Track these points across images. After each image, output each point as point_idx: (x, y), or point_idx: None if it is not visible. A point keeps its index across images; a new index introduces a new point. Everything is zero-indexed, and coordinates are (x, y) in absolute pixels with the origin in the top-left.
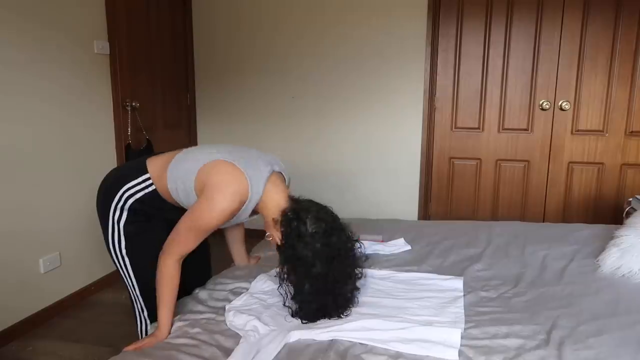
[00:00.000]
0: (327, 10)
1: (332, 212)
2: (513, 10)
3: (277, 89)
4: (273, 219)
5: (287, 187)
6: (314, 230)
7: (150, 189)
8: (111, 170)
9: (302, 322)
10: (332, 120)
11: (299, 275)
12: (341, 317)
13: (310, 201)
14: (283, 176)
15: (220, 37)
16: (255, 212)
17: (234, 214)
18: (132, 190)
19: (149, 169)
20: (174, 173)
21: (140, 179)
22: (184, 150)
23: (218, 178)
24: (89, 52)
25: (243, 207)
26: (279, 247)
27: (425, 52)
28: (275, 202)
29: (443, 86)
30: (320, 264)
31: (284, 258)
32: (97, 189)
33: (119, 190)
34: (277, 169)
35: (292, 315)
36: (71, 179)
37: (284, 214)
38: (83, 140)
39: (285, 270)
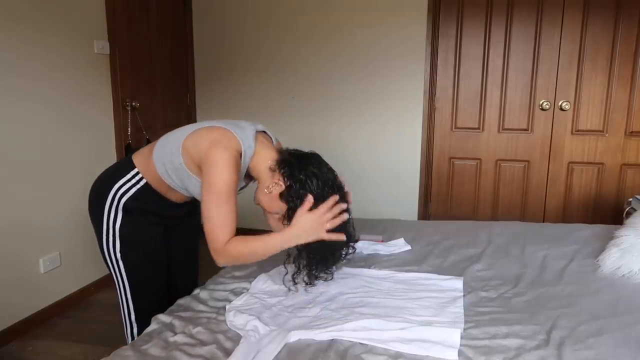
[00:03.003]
0: (327, 11)
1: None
2: (513, 11)
3: (277, 89)
4: (270, 167)
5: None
6: (315, 167)
7: (141, 183)
8: (99, 175)
9: (307, 284)
10: (332, 121)
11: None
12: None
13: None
14: (269, 136)
15: (220, 37)
16: (248, 177)
17: (238, 166)
18: (124, 188)
19: (135, 162)
20: (160, 155)
21: (129, 175)
22: (163, 135)
23: (207, 140)
24: (89, 52)
25: (241, 161)
26: (281, 194)
27: (426, 53)
28: (268, 157)
29: (443, 86)
30: (324, 192)
31: (292, 193)
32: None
33: (110, 190)
34: (260, 128)
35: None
36: (71, 179)
37: (282, 158)
38: (83, 140)
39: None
